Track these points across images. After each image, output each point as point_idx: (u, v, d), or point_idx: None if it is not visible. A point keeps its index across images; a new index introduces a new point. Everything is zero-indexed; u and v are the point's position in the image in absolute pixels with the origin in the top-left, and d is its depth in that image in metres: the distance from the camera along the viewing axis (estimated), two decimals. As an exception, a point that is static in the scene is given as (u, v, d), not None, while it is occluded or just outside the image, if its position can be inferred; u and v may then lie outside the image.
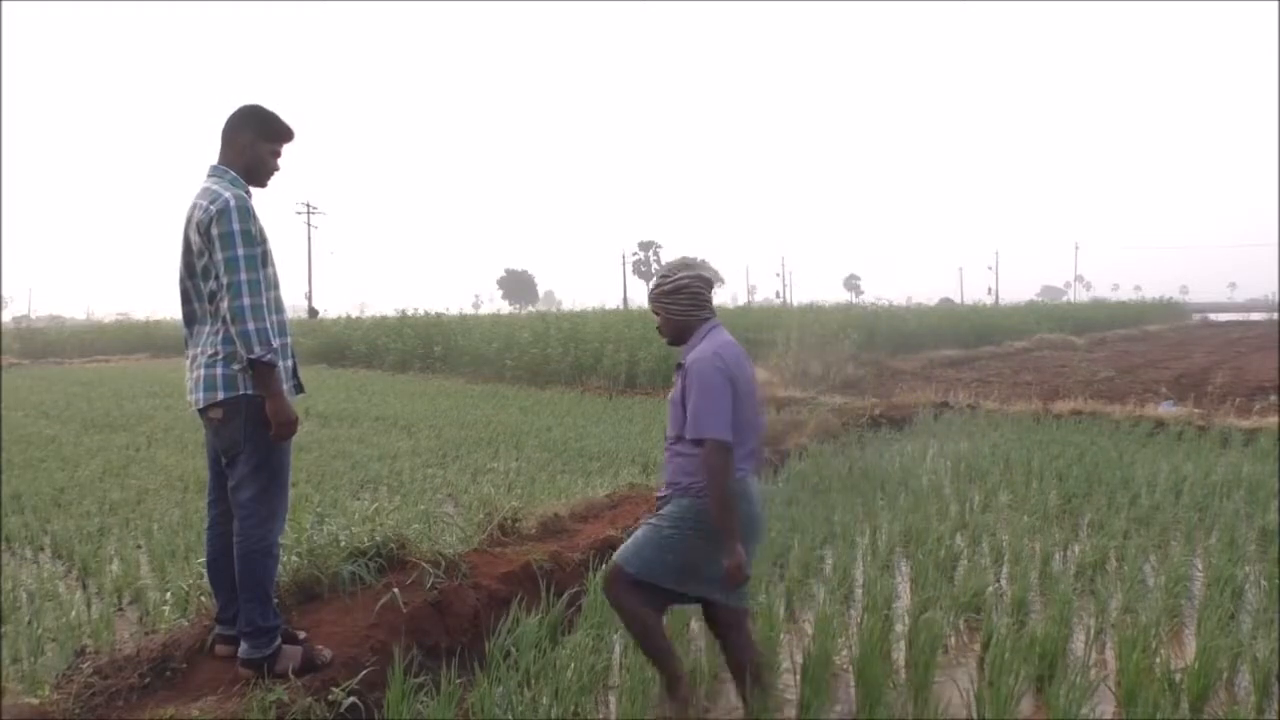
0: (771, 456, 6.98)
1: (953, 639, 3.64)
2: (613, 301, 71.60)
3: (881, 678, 2.97)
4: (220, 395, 2.86)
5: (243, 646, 2.92)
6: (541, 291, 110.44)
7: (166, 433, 9.60)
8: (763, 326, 16.86)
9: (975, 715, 2.95)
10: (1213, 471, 6.30)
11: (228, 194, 2.84)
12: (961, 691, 3.09)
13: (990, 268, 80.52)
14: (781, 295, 74.73)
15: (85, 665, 2.87)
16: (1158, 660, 3.12)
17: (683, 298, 2.96)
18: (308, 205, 48.78)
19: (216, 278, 2.83)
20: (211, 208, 2.81)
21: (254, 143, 3.02)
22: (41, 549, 5.25)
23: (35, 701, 2.67)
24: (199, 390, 2.89)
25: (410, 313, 25.01)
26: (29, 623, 3.76)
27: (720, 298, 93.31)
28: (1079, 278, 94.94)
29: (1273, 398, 10.64)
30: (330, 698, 2.83)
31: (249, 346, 2.78)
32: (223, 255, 2.78)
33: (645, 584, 2.88)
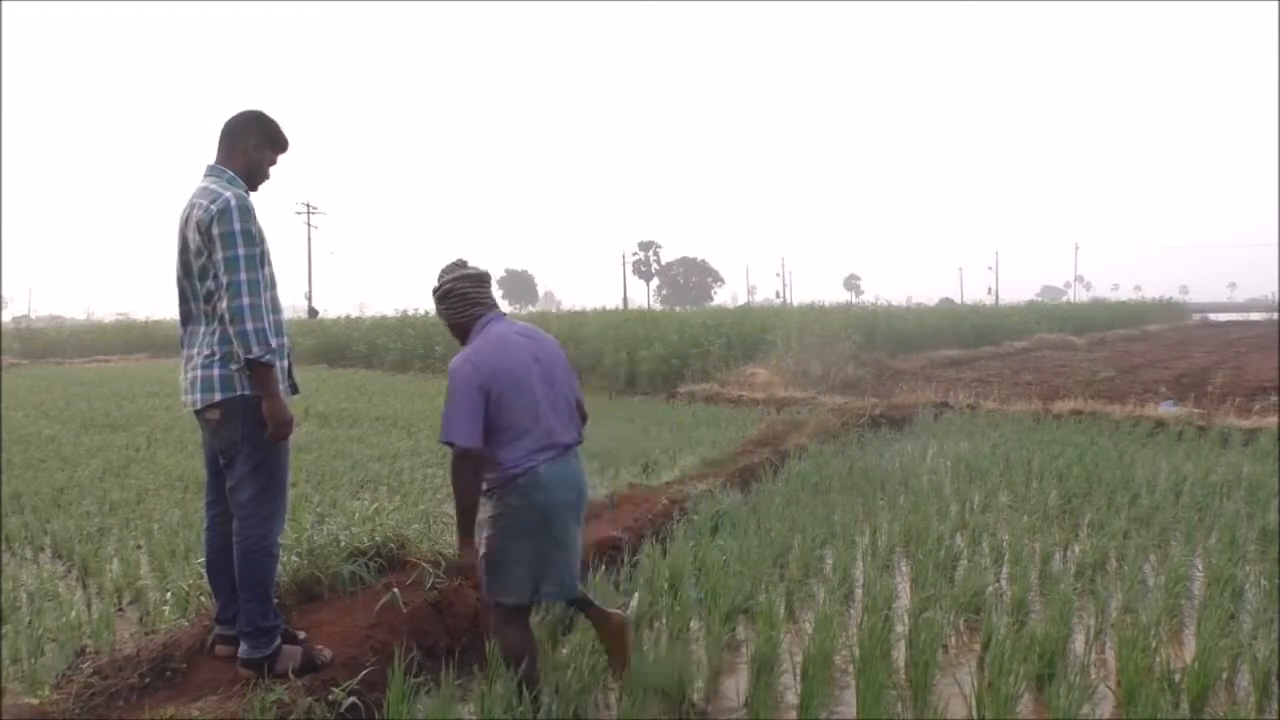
0: (771, 456, 6.98)
1: (953, 639, 3.64)
2: (613, 301, 71.61)
3: (881, 678, 2.97)
4: (218, 396, 2.85)
5: (243, 647, 2.92)
6: (541, 291, 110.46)
7: (166, 433, 9.60)
8: (763, 326, 16.86)
9: (975, 715, 2.95)
10: (1213, 471, 6.30)
11: (228, 193, 2.84)
12: (962, 691, 3.09)
13: (990, 268, 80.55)
14: (781, 295, 74.77)
15: (85, 665, 2.88)
16: (1158, 660, 3.12)
17: (453, 300, 3.01)
18: (308, 205, 48.78)
19: (215, 277, 2.82)
20: (212, 207, 2.80)
21: (257, 148, 3.03)
22: (41, 549, 5.25)
23: (35, 701, 2.67)
24: (196, 391, 2.88)
25: (411, 313, 25.02)
26: (29, 623, 3.76)
27: (720, 297, 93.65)
28: (1079, 278, 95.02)
29: (1273, 398, 10.64)
30: (330, 698, 2.83)
31: (247, 346, 2.77)
32: (223, 254, 2.77)
33: (514, 606, 2.92)
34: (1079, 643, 3.52)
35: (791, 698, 3.13)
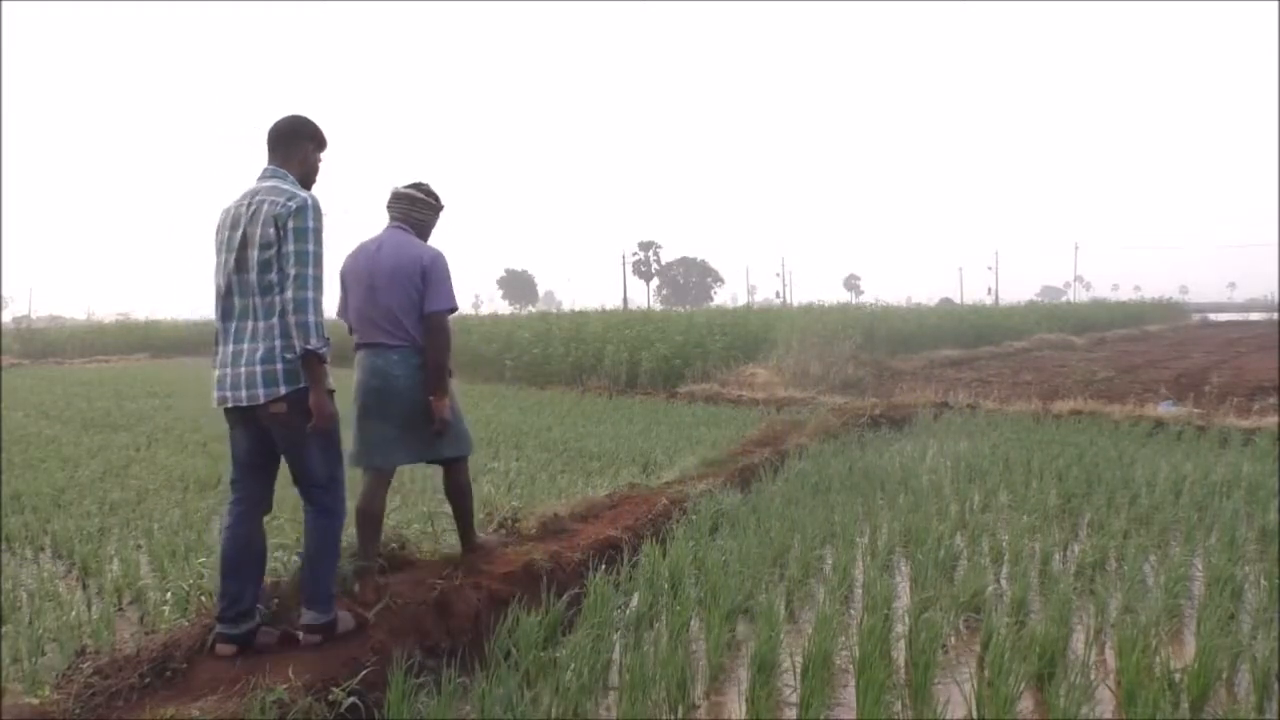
0: (771, 456, 6.98)
1: (953, 639, 3.64)
2: (613, 301, 71.54)
3: (881, 678, 2.97)
4: (283, 389, 2.96)
5: (310, 614, 3.12)
6: (541, 291, 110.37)
7: (166, 433, 9.60)
8: (763, 326, 16.86)
9: (975, 715, 2.95)
10: (1212, 471, 6.30)
11: (305, 194, 3.04)
12: (961, 691, 3.10)
13: (990, 268, 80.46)
14: (781, 295, 74.67)
15: (85, 665, 2.88)
16: (1158, 660, 3.12)
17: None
18: (308, 205, 48.56)
19: (281, 269, 2.94)
20: (290, 204, 2.96)
21: (312, 153, 3.23)
22: (41, 549, 5.25)
23: (35, 701, 2.68)
24: (257, 385, 2.96)
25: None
26: (29, 623, 3.76)
27: (720, 297, 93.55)
28: (1079, 278, 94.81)
29: (1272, 398, 10.64)
30: (330, 698, 2.83)
31: (306, 337, 2.91)
32: (295, 247, 2.92)
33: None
34: (1079, 643, 3.52)
35: (791, 697, 3.13)
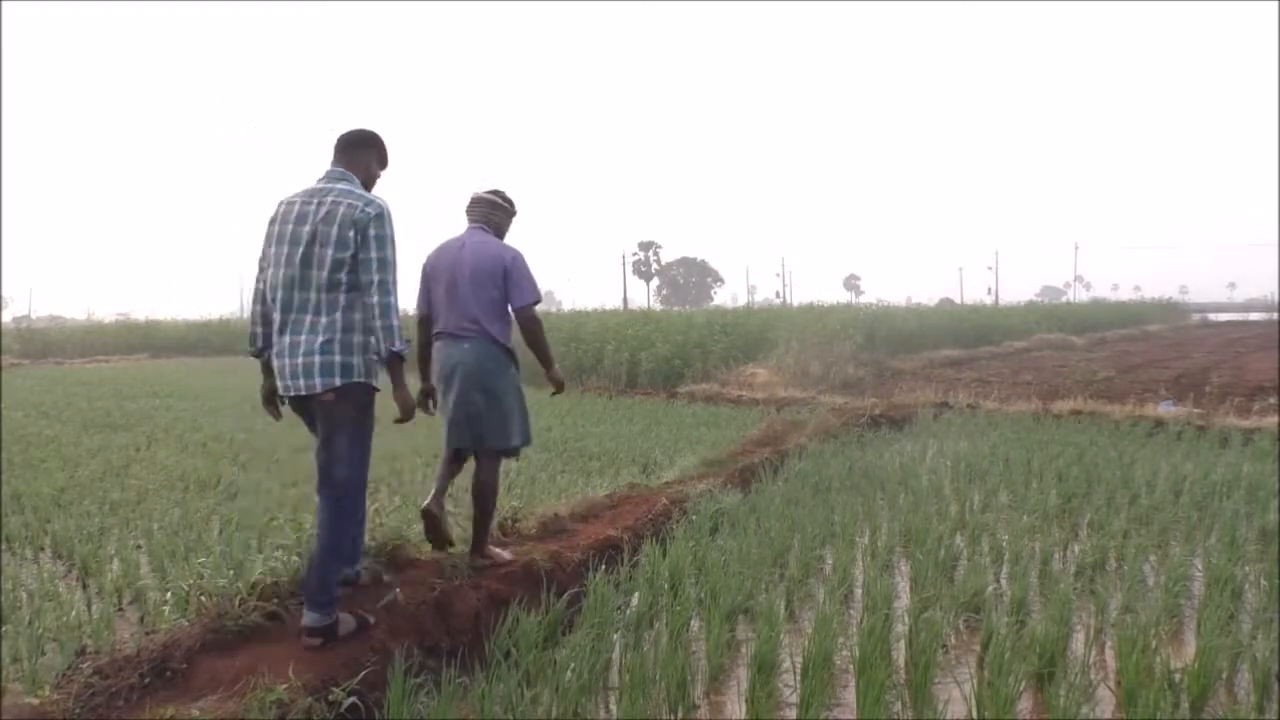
0: (771, 456, 6.98)
1: (953, 639, 3.64)
2: (613, 301, 71.54)
3: (881, 678, 2.97)
4: (338, 381, 3.11)
5: (312, 616, 3.13)
6: (541, 291, 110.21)
7: (167, 433, 9.60)
8: (763, 326, 16.86)
9: (975, 715, 2.95)
10: (1212, 471, 6.30)
11: (380, 200, 3.19)
12: (961, 691, 3.10)
13: (990, 268, 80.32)
14: (781, 295, 74.64)
15: (85, 665, 2.87)
16: (1158, 660, 3.12)
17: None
18: (308, 205, 48.59)
19: (353, 271, 3.10)
20: (369, 210, 3.12)
21: (375, 166, 3.41)
22: (41, 549, 5.24)
23: (35, 701, 2.67)
24: (315, 375, 3.09)
25: (411, 313, 24.97)
26: (29, 623, 3.76)
27: (720, 297, 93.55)
28: (1079, 278, 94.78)
29: (1272, 398, 10.64)
30: (330, 698, 2.83)
31: (391, 339, 3.10)
32: (377, 254, 3.10)
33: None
34: (1079, 643, 3.52)
35: (791, 697, 3.13)
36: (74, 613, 3.89)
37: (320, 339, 3.09)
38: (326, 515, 3.20)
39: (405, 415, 3.27)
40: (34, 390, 15.63)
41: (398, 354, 3.13)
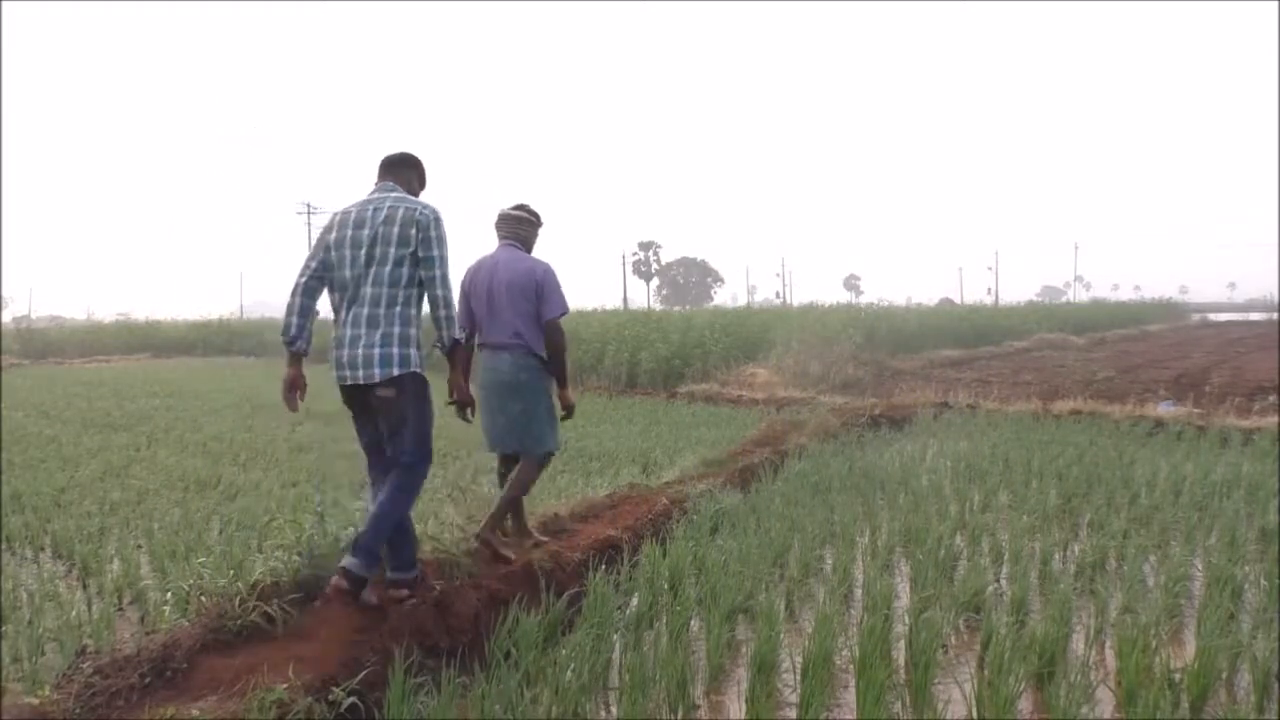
0: (771, 456, 6.98)
1: (953, 639, 3.64)
2: (612, 301, 71.49)
3: (881, 678, 2.97)
4: (396, 371, 3.36)
5: (352, 561, 3.32)
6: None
7: (167, 433, 9.60)
8: (763, 326, 16.86)
9: (975, 715, 2.95)
10: (1212, 471, 6.30)
11: (433, 207, 3.50)
12: (962, 691, 3.10)
13: (990, 268, 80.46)
14: (781, 295, 74.64)
15: (85, 665, 2.87)
16: (1158, 660, 3.12)
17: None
18: (308, 205, 48.82)
19: (413, 266, 3.40)
20: (428, 213, 3.45)
21: (416, 184, 3.71)
22: (42, 549, 5.25)
23: (35, 701, 2.67)
24: (374, 366, 3.34)
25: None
26: (29, 623, 3.76)
27: (720, 297, 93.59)
28: (1079, 278, 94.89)
29: (1272, 398, 10.63)
30: (330, 698, 2.83)
31: (452, 329, 3.50)
32: (438, 253, 3.42)
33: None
34: (1079, 643, 3.52)
35: (791, 697, 3.13)
36: (74, 613, 3.89)
37: (380, 332, 3.35)
38: (393, 487, 3.44)
39: (460, 398, 3.71)
40: (34, 390, 15.63)
41: (458, 341, 3.52)
